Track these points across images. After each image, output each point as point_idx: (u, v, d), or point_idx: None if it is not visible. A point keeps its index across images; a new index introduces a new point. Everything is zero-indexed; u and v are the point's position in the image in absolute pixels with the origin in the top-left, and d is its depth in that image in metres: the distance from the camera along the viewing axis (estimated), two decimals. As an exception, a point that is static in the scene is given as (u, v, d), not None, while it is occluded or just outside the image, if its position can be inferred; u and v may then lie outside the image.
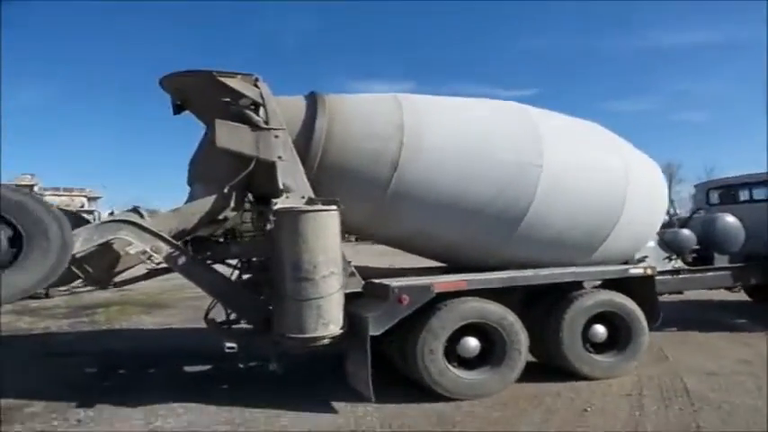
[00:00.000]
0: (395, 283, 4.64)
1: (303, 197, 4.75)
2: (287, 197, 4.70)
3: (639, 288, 5.64)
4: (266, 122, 4.82)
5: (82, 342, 8.09)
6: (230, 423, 4.38)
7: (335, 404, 4.73)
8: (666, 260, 6.93)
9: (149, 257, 4.83)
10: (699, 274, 7.13)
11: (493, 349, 4.98)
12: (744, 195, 8.87)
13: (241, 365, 6.43)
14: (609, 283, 5.70)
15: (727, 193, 9.02)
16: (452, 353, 4.86)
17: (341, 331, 4.43)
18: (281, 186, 4.71)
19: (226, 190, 4.94)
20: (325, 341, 4.44)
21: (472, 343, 4.90)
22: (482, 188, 5.16)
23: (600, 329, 5.41)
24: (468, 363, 4.93)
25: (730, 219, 7.23)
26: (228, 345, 4.57)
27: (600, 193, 5.53)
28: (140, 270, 5.49)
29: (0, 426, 4.42)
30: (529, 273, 5.27)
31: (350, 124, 5.01)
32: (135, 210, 5.08)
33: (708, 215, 7.66)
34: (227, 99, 4.91)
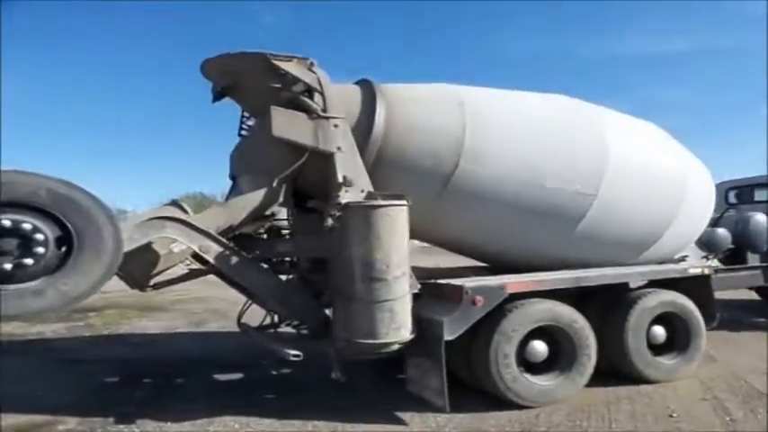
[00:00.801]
0: (468, 283, 4.35)
1: (363, 191, 4.41)
2: (346, 191, 4.36)
3: (693, 288, 5.49)
4: (324, 110, 4.47)
5: (89, 349, 7.56)
6: (296, 438, 4.03)
7: (400, 414, 4.41)
8: (704, 259, 6.82)
9: (195, 258, 4.44)
10: (734, 273, 7.04)
11: (560, 353, 4.74)
12: (761, 195, 8.92)
13: (274, 372, 6.09)
14: (655, 283, 5.52)
15: (744, 193, 9.07)
16: (518, 358, 4.59)
17: (411, 336, 4.12)
18: (339, 179, 4.35)
19: (275, 183, 4.58)
20: (394, 347, 4.12)
21: (541, 347, 4.65)
22: (537, 203, 4.88)
23: (660, 331, 5.23)
24: (533, 368, 4.69)
25: (763, 218, 7.18)
26: (293, 353, 4.18)
27: (655, 210, 5.36)
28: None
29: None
30: (594, 272, 5.06)
31: (410, 119, 4.68)
32: (175, 204, 4.66)
33: (740, 214, 7.59)
34: (279, 85, 4.55)
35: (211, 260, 4.28)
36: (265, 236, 5.10)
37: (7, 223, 3.41)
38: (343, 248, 4.07)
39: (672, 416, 4.25)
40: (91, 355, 7.09)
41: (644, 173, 5.21)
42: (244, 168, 4.78)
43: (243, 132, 5.53)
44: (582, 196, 4.95)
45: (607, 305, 5.17)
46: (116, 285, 4.86)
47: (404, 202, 4.06)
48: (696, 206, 5.67)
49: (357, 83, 5.01)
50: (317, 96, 4.52)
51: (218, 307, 11.38)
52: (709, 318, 5.45)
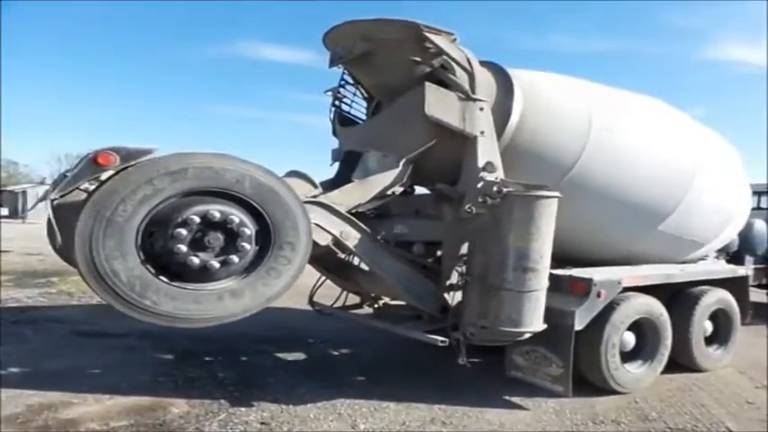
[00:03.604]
0: (597, 277, 4.52)
1: (497, 178, 4.39)
2: (486, 178, 4.31)
3: (734, 287, 6.05)
4: (473, 91, 4.37)
5: (99, 321, 6.83)
6: (437, 421, 4.00)
7: (509, 398, 4.53)
8: (716, 259, 7.54)
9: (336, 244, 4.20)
10: None
11: (644, 344, 5.08)
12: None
13: (334, 352, 5.96)
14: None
15: None
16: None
17: (544, 326, 4.22)
18: (481, 165, 4.30)
19: (402, 163, 4.44)
20: (526, 336, 4.20)
21: (630, 338, 4.95)
22: (635, 201, 5.11)
23: (709, 325, 5.77)
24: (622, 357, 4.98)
25: (763, 223, 8.04)
26: (441, 339, 4.13)
27: (719, 217, 5.85)
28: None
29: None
30: (682, 269, 5.55)
31: (542, 107, 4.71)
32: (299, 174, 4.36)
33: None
34: (418, 58, 4.38)
35: (351, 246, 4.09)
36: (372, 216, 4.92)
37: (217, 215, 3.07)
38: (494, 236, 4.05)
39: (749, 402, 4.73)
40: (110, 328, 6.43)
41: (719, 182, 5.64)
42: (370, 145, 4.55)
43: (336, 103, 5.31)
44: (671, 199, 5.29)
45: (671, 300, 5.58)
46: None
47: (557, 193, 4.10)
48: (742, 216, 6.27)
49: (484, 64, 4.91)
50: (460, 75, 4.40)
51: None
52: (743, 314, 6.08)
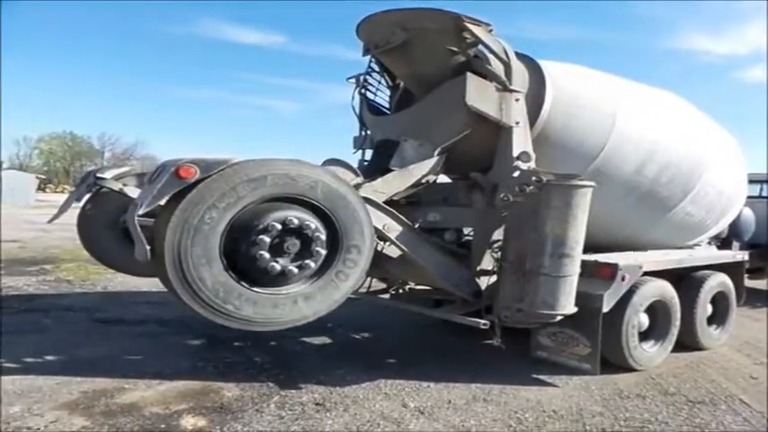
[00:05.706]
0: (622, 262, 4.77)
1: (529, 167, 4.57)
2: (520, 167, 4.48)
3: (731, 271, 6.43)
4: (510, 82, 4.51)
5: (111, 308, 6.82)
6: (479, 399, 4.19)
7: (537, 376, 4.77)
8: (708, 245, 7.96)
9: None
10: None
11: (656, 324, 5.39)
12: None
13: (358, 337, 6.09)
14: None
15: None
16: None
17: (576, 309, 4.45)
18: (515, 154, 4.48)
19: (437, 152, 4.58)
20: (559, 318, 4.43)
21: (645, 319, 5.25)
22: (651, 192, 5.38)
23: (709, 306, 6.15)
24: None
25: (749, 211, 8.49)
26: (483, 322, 4.31)
27: (721, 206, 6.19)
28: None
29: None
30: (693, 255, 6.02)
31: (571, 98, 4.89)
32: (341, 163, 4.44)
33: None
34: (456, 48, 4.51)
35: (393, 238, 4.20)
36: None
37: (295, 221, 3.19)
38: (531, 224, 4.22)
39: (753, 377, 5.10)
40: (125, 315, 6.46)
41: (724, 173, 5.99)
42: (407, 133, 4.66)
43: (362, 91, 5.41)
44: (682, 188, 5.58)
45: (677, 283, 5.91)
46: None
47: (592, 183, 4.29)
48: (739, 205, 6.67)
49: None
50: (496, 66, 4.53)
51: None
52: (739, 297, 6.49)
